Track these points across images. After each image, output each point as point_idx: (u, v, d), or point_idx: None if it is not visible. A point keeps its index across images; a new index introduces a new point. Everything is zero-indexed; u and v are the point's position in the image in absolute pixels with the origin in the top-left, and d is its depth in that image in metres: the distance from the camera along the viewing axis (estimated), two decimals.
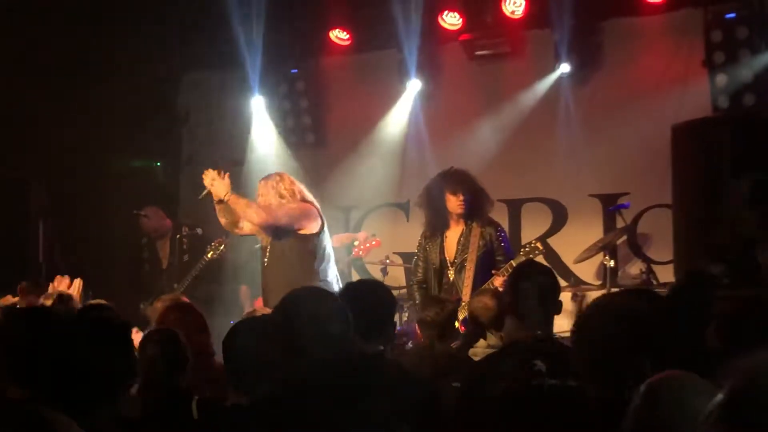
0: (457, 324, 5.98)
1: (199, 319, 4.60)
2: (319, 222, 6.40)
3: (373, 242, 8.30)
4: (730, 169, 6.12)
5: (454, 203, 6.33)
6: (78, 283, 5.39)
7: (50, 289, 5.39)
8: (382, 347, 3.41)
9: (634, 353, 2.77)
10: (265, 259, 6.50)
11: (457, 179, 6.38)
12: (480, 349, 4.81)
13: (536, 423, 3.10)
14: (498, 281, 6.06)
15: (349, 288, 3.60)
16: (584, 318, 2.94)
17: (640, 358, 2.75)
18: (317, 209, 6.43)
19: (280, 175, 6.57)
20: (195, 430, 3.47)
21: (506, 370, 3.34)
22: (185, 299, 5.16)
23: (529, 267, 4.25)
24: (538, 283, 3.58)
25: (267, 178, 6.52)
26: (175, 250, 8.04)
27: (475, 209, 6.37)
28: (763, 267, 5.52)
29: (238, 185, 7.27)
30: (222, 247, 7.49)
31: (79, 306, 4.99)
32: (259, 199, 6.43)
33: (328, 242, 6.53)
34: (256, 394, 2.91)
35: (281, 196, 6.35)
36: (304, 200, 6.41)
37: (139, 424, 3.39)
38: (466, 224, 6.37)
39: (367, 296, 3.38)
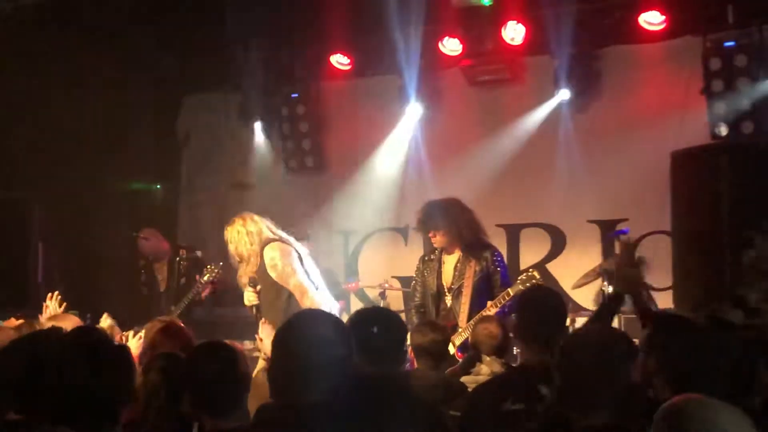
0: (453, 350, 5.97)
1: (184, 341, 4.57)
2: (295, 254, 6.26)
3: (352, 284, 8.52)
4: (729, 196, 6.13)
5: (432, 239, 6.36)
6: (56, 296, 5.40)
7: (44, 311, 5.38)
8: (392, 372, 3.39)
9: (615, 381, 2.80)
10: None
11: (425, 217, 6.33)
12: (483, 377, 4.78)
13: None
14: (493, 310, 6.05)
15: (360, 314, 3.59)
16: (567, 349, 2.96)
17: (621, 386, 2.78)
18: (288, 242, 6.15)
19: (241, 217, 6.20)
20: None
21: (510, 397, 3.34)
22: (178, 322, 5.12)
23: (536, 292, 4.23)
24: (545, 309, 3.58)
25: (230, 223, 6.18)
26: (173, 273, 8.02)
27: (460, 240, 6.30)
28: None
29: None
30: (216, 271, 7.45)
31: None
32: (230, 246, 6.15)
33: (309, 271, 6.17)
34: (260, 416, 2.91)
35: (251, 243, 6.15)
36: (275, 240, 6.09)
37: None
38: (462, 250, 6.34)
39: (377, 322, 3.37)
